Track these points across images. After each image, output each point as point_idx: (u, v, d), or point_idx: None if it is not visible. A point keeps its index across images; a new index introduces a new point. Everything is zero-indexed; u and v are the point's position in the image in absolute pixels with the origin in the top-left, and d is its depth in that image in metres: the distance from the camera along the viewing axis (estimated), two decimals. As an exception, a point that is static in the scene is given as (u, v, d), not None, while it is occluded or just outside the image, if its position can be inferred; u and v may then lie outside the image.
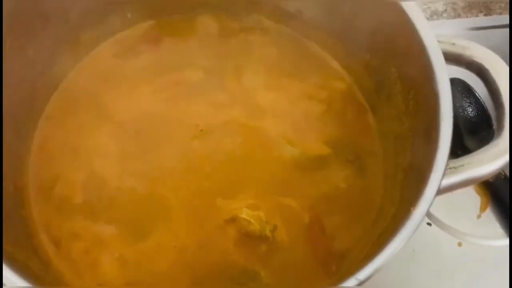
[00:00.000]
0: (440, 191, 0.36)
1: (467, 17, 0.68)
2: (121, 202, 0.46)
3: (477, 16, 0.68)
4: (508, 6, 0.68)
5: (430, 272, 0.53)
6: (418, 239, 0.51)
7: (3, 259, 0.34)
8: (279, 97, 0.51)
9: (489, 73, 0.39)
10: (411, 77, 0.43)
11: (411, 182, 0.40)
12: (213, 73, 0.52)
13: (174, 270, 0.44)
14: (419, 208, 0.35)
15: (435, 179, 0.35)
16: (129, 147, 0.48)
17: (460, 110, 0.57)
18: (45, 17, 0.46)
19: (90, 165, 0.47)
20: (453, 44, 0.40)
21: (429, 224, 0.51)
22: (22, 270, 0.34)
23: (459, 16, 0.68)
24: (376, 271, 0.33)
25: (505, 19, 0.65)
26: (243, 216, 0.45)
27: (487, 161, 0.37)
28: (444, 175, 0.36)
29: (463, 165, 0.37)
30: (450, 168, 0.36)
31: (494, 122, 0.53)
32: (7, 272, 0.33)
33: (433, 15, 0.68)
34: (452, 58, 0.40)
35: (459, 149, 0.54)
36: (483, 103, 0.58)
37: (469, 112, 0.57)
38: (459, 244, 0.53)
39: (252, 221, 0.45)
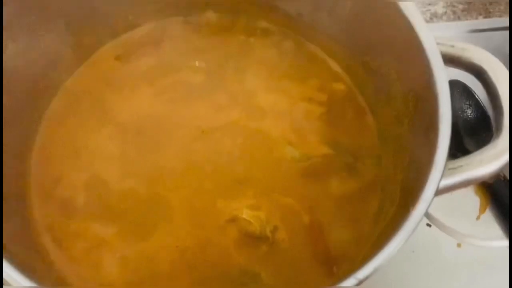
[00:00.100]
0: (439, 192, 0.36)
1: (467, 19, 0.68)
2: (122, 202, 0.46)
3: (476, 18, 0.68)
4: (507, 8, 0.69)
5: (429, 273, 0.53)
6: (417, 240, 0.52)
7: (8, 259, 0.34)
8: (279, 98, 0.51)
9: (487, 74, 0.39)
10: (410, 79, 0.43)
11: (410, 182, 0.40)
12: (214, 75, 0.52)
13: (175, 270, 0.44)
14: (418, 208, 0.35)
15: (434, 180, 0.35)
16: (130, 148, 0.49)
17: (460, 112, 0.57)
18: (47, 18, 0.46)
19: (92, 166, 0.48)
20: (452, 46, 0.40)
21: (428, 225, 0.51)
22: (27, 270, 0.34)
23: (458, 18, 0.68)
24: (376, 270, 0.33)
25: (505, 22, 0.66)
26: (244, 216, 0.45)
27: (486, 162, 0.37)
28: (443, 175, 0.36)
29: (462, 166, 0.37)
30: (449, 168, 0.36)
31: (493, 123, 0.53)
32: (12, 272, 0.33)
33: (433, 18, 0.68)
34: (451, 60, 0.40)
35: (459, 151, 0.54)
36: (482, 105, 0.58)
37: (469, 114, 0.57)
38: (459, 245, 0.54)
39: (252, 221, 0.45)
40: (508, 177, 0.55)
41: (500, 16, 0.68)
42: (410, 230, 0.34)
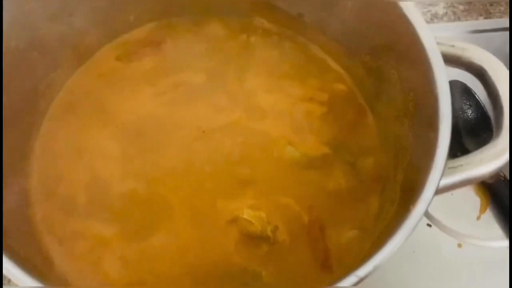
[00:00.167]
0: (440, 191, 0.36)
1: (467, 20, 0.68)
2: (123, 202, 0.46)
3: (477, 19, 0.69)
4: (507, 9, 0.69)
5: (430, 273, 0.53)
6: (418, 240, 0.52)
7: (9, 257, 0.34)
8: (280, 99, 0.52)
9: (487, 74, 0.39)
10: (410, 79, 0.43)
11: (410, 182, 0.40)
12: (215, 75, 0.53)
13: (175, 270, 0.44)
14: (419, 207, 0.35)
15: (434, 179, 0.35)
16: (131, 148, 0.49)
17: (460, 112, 0.57)
18: (49, 19, 0.47)
19: (93, 166, 0.48)
20: (452, 46, 0.40)
21: (429, 225, 0.51)
22: (28, 268, 0.34)
23: (459, 19, 0.69)
24: (376, 268, 0.33)
25: (505, 23, 0.66)
26: (245, 216, 0.45)
27: (486, 161, 0.37)
28: (443, 174, 0.36)
29: (462, 165, 0.37)
30: (449, 167, 0.36)
31: (493, 123, 0.53)
32: (13, 269, 0.33)
33: (434, 18, 0.68)
34: (451, 60, 0.40)
35: (459, 150, 0.54)
36: (482, 105, 0.58)
37: (469, 114, 0.58)
38: (459, 245, 0.54)
39: (253, 221, 0.45)
40: (508, 177, 0.55)
41: (500, 17, 0.69)
42: (410, 229, 0.34)
